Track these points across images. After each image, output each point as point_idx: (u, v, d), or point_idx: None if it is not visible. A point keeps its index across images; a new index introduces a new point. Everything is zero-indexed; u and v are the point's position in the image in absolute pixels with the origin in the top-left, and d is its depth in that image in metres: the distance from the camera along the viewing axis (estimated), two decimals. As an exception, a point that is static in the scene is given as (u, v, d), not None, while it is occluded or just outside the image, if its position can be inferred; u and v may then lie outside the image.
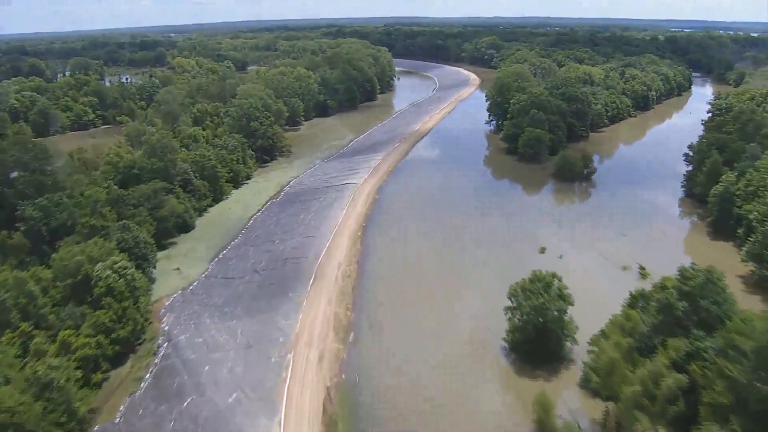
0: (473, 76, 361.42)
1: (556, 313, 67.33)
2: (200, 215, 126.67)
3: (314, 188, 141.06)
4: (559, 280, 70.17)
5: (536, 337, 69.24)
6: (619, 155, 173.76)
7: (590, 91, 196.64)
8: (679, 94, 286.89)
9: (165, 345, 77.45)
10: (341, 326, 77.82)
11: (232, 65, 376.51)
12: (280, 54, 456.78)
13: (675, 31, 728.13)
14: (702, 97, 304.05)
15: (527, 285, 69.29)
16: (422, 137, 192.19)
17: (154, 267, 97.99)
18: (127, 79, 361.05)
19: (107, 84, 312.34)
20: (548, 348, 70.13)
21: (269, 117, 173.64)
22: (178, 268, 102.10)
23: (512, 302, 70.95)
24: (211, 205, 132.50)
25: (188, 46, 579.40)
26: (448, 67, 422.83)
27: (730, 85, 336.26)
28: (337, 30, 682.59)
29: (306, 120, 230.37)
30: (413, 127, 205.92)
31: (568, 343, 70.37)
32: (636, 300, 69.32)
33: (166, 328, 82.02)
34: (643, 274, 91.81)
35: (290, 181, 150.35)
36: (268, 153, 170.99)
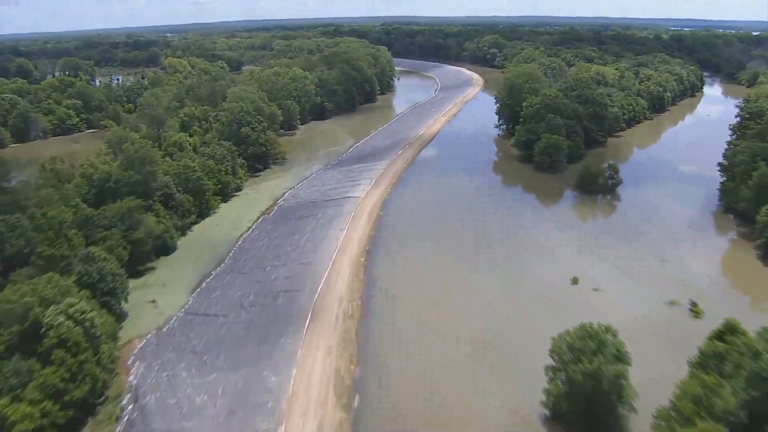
0: (476, 76, 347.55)
1: (613, 378, 53.43)
2: (183, 234, 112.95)
3: (311, 202, 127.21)
4: (614, 335, 56.39)
5: (586, 405, 55.51)
6: (640, 163, 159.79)
7: (605, 92, 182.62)
8: (692, 95, 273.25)
9: (131, 407, 63.75)
10: (344, 386, 63.84)
11: (225, 65, 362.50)
12: (276, 53, 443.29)
13: (675, 29, 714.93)
14: (714, 98, 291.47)
15: (575, 342, 55.58)
16: (427, 143, 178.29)
17: (126, 300, 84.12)
18: (117, 79, 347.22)
19: (98, 85, 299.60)
20: (597, 415, 56.41)
21: (262, 122, 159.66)
22: (153, 301, 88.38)
23: (555, 361, 57.16)
24: (195, 222, 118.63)
25: (183, 45, 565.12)
26: (448, 67, 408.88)
27: (743, 85, 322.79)
28: (334, 29, 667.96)
29: (302, 123, 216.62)
30: (417, 131, 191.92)
31: (624, 411, 56.55)
32: (708, 359, 55.56)
33: (135, 381, 68.37)
34: (696, 311, 78.29)
35: (284, 194, 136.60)
36: (260, 161, 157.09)
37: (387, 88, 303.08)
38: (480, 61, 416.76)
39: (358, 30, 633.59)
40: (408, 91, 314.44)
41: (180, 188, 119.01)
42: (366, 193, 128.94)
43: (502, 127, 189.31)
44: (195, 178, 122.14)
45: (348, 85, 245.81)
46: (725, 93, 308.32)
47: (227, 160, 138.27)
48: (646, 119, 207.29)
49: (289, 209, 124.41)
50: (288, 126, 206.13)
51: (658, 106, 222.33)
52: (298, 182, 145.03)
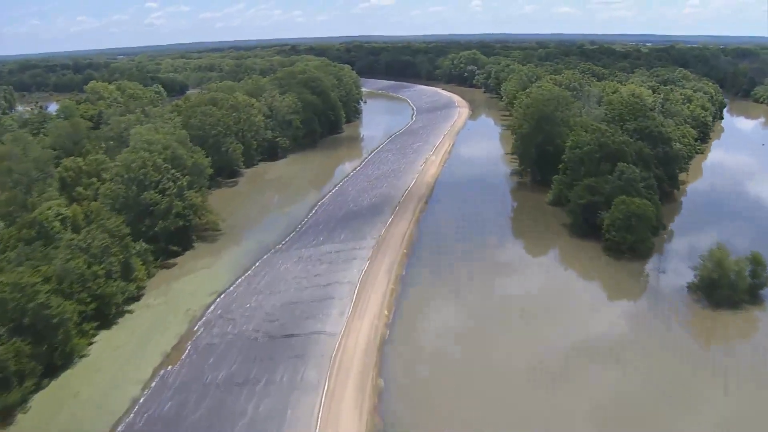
0: (456, 97, 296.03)
1: None
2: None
3: (252, 338, 71.26)
4: None
5: None
6: (741, 230, 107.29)
7: (660, 122, 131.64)
8: (721, 117, 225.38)
9: None
10: None
11: (162, 90, 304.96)
12: (225, 75, 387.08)
13: (641, 44, 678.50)
14: (739, 120, 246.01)
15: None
16: (425, 201, 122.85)
17: None
18: (32, 108, 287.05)
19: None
20: None
21: (179, 179, 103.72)
22: None
23: None
24: (34, 392, 62.48)
25: (125, 68, 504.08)
26: (421, 87, 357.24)
27: (762, 103, 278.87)
28: (291, 48, 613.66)
29: (248, 167, 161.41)
30: (405, 179, 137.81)
31: None
32: None
33: None
34: None
35: (211, 304, 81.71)
36: (178, 239, 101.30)
37: (354, 114, 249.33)
38: (455, 79, 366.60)
39: (316, 48, 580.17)
40: (379, 116, 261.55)
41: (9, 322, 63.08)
42: (348, 323, 72.30)
43: (523, 172, 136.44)
44: (37, 305, 65.81)
45: (307, 113, 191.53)
46: (747, 113, 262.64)
47: (114, 253, 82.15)
48: (697, 152, 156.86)
49: (211, 352, 68.58)
50: (228, 172, 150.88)
51: (702, 133, 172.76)
52: (234, 277, 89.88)
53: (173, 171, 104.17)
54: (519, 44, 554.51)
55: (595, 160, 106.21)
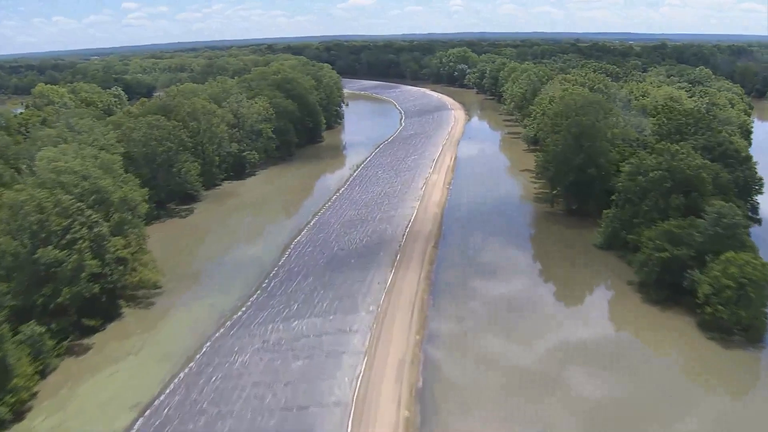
0: (447, 99, 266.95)
1: None
2: None
3: None
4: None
5: None
6: None
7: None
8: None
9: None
10: None
11: (122, 92, 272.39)
12: (196, 75, 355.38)
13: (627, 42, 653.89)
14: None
15: None
16: (434, 244, 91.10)
17: None
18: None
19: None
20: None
21: (99, 224, 73.53)
22: None
23: None
24: None
25: (91, 69, 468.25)
26: (407, 88, 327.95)
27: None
28: (267, 47, 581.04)
29: (209, 188, 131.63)
30: (402, 209, 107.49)
31: None
32: None
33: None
34: None
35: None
36: (97, 308, 71.47)
37: (335, 119, 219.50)
38: (444, 79, 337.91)
39: (294, 47, 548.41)
40: (363, 121, 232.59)
41: None
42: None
43: (555, 199, 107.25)
44: None
45: (281, 120, 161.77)
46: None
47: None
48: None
49: None
50: (182, 197, 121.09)
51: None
52: (167, 380, 60.34)
53: (90, 212, 73.93)
54: (506, 42, 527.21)
55: (664, 191, 77.89)
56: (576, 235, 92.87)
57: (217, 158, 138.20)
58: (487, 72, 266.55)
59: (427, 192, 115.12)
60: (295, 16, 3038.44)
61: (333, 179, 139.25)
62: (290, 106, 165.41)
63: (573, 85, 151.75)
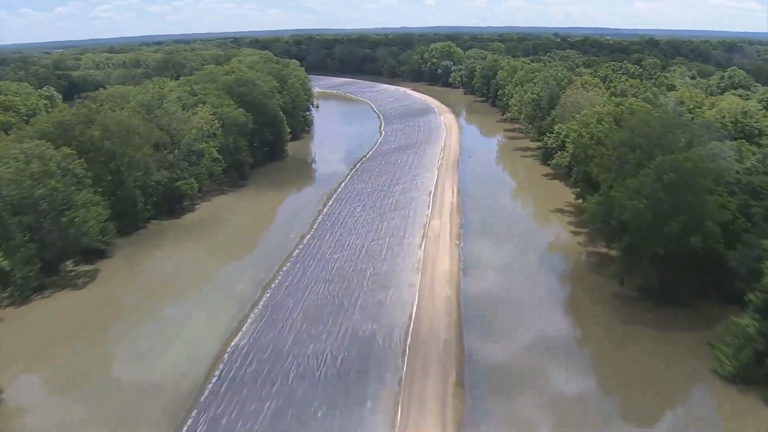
0: (433, 101, 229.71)
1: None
2: None
3: None
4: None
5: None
6: None
7: None
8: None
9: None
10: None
11: (55, 93, 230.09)
12: (151, 72, 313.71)
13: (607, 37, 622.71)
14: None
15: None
16: (457, 372, 52.26)
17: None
18: None
19: None
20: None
21: None
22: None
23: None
24: None
25: (42, 63, 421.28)
26: (385, 87, 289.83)
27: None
28: (233, 41, 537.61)
29: (128, 233, 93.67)
30: (396, 291, 69.42)
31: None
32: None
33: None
34: None
35: None
36: None
37: (302, 127, 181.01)
38: (425, 77, 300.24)
39: (262, 41, 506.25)
40: (335, 128, 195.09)
41: None
42: None
43: (631, 274, 70.65)
44: None
45: (230, 135, 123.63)
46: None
47: None
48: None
49: None
50: (86, 252, 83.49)
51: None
52: None
53: None
54: (487, 36, 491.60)
55: None
56: (676, 349, 56.69)
57: (138, 191, 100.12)
58: (478, 70, 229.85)
59: (429, 254, 77.69)
60: (267, 9, 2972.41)
61: (294, 219, 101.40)
62: (242, 117, 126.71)
63: (605, 90, 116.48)
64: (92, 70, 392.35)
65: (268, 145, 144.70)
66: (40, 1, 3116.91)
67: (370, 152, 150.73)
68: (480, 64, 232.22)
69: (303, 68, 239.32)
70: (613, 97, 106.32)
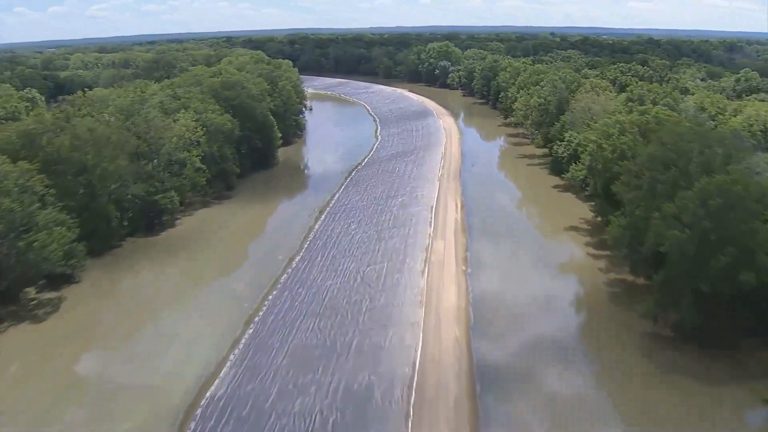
0: (431, 103, 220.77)
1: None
2: None
3: None
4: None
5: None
6: None
7: None
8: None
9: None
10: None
11: (38, 96, 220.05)
12: (140, 72, 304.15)
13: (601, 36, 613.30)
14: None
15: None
16: None
17: None
18: None
19: None
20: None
21: None
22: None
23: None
24: None
25: (30, 62, 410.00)
26: (380, 88, 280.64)
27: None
28: (226, 40, 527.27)
29: (98, 254, 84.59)
30: (398, 332, 59.97)
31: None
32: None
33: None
34: None
35: None
36: None
37: (294, 131, 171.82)
38: (422, 78, 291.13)
39: (256, 41, 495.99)
40: (329, 131, 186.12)
41: None
42: None
43: (665, 310, 61.69)
44: None
45: (216, 144, 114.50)
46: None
47: None
48: None
49: None
50: (48, 280, 74.45)
51: None
52: None
53: None
54: (485, 36, 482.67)
55: None
56: (721, 401, 48.06)
57: (112, 207, 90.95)
58: (477, 71, 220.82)
59: (433, 284, 68.48)
60: (262, 9, 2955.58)
61: (283, 237, 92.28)
62: (228, 123, 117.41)
63: (616, 94, 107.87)
64: (81, 71, 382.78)
65: (257, 152, 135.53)
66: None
67: (366, 159, 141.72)
68: (479, 65, 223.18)
69: (296, 69, 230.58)
70: (630, 103, 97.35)
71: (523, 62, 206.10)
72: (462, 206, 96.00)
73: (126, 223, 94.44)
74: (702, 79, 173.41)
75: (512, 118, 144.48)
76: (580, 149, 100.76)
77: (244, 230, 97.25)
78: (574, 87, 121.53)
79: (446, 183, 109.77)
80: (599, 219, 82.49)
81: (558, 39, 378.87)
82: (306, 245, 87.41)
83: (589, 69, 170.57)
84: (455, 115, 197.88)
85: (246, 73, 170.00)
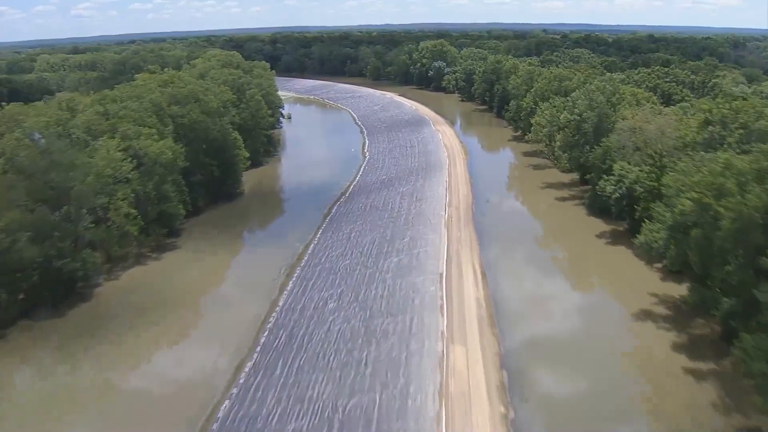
0: (426, 111, 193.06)
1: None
2: None
3: None
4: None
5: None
6: None
7: None
8: None
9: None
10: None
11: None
12: (106, 75, 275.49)
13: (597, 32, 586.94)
14: None
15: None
16: None
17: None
18: None
19: None
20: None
21: None
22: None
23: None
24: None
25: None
26: (367, 91, 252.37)
27: None
28: (205, 39, 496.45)
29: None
30: None
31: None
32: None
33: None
34: None
35: None
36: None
37: (265, 149, 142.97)
38: (414, 79, 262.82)
39: (236, 39, 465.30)
40: (308, 149, 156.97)
41: None
42: None
43: None
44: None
45: (153, 179, 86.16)
46: None
47: None
48: None
49: None
50: None
51: None
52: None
53: None
54: (477, 32, 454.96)
55: None
56: None
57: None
58: (478, 73, 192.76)
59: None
60: (249, 7, 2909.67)
61: (231, 323, 64.25)
62: (166, 152, 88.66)
63: (688, 115, 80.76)
64: (47, 73, 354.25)
65: (214, 181, 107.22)
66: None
67: (351, 187, 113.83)
68: (480, 66, 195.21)
69: (274, 71, 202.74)
70: (710, 127, 69.93)
71: (530, 63, 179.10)
72: (483, 275, 67.98)
73: (16, 301, 66.92)
74: (743, 83, 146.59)
75: (530, 136, 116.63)
76: (638, 189, 73.63)
77: (180, 306, 69.03)
78: (615, 100, 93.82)
79: (456, 231, 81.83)
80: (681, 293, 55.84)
81: (558, 37, 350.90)
82: (262, 341, 59.55)
83: (606, 70, 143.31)
84: (455, 126, 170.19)
85: (210, 79, 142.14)
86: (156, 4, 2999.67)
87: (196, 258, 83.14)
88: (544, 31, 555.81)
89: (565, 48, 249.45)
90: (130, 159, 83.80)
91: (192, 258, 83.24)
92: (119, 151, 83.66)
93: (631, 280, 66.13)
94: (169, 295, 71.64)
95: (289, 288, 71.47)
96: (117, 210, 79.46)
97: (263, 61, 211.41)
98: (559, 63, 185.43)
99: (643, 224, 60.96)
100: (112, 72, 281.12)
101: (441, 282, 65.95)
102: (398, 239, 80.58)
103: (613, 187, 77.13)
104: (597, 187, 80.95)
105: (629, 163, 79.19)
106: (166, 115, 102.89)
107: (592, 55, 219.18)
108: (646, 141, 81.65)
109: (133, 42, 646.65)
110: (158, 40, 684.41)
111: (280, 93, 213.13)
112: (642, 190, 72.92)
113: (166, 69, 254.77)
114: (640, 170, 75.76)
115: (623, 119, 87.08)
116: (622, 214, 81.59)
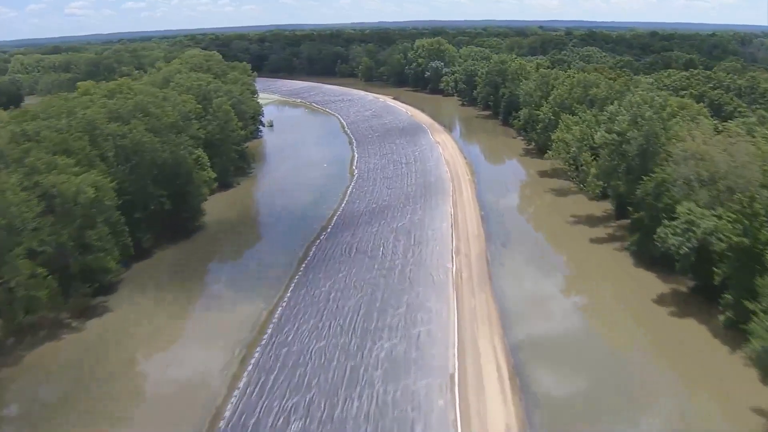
0: (423, 117, 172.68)
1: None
2: None
3: None
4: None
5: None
6: None
7: None
8: None
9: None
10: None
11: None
12: (80, 76, 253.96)
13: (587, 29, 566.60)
14: None
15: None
16: None
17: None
18: None
19: None
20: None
21: None
22: None
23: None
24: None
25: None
26: (359, 93, 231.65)
27: None
28: (190, 38, 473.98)
29: None
30: None
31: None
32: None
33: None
34: None
35: None
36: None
37: (237, 168, 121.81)
38: (409, 81, 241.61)
39: (223, 38, 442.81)
40: (288, 165, 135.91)
41: None
42: None
43: None
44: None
45: (70, 224, 65.31)
46: None
47: None
48: None
49: None
50: None
51: None
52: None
53: None
54: (476, 29, 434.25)
55: None
56: None
57: None
58: (480, 74, 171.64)
59: None
60: (242, 6, 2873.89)
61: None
62: (86, 191, 67.50)
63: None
64: (20, 74, 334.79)
65: (166, 216, 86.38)
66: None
67: (334, 218, 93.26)
68: (483, 66, 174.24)
69: (255, 73, 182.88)
70: None
71: (539, 63, 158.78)
72: (513, 376, 47.25)
73: None
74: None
75: (550, 153, 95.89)
76: (718, 244, 53.40)
77: (76, 419, 48.34)
78: (666, 115, 73.19)
79: (469, 295, 61.21)
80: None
81: (563, 34, 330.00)
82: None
83: (619, 70, 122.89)
84: (456, 135, 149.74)
85: (174, 85, 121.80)
86: (150, 2, 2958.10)
87: (125, 329, 62.70)
88: (541, 28, 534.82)
89: (572, 46, 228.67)
90: (37, 200, 63.13)
91: (120, 329, 62.80)
92: (23, 190, 62.95)
93: (709, 367, 45.58)
94: (70, 390, 51.24)
95: (241, 386, 51.06)
96: (15, 270, 58.96)
97: (244, 62, 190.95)
98: (571, 63, 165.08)
99: (754, 319, 40.40)
100: (84, 74, 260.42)
101: (452, 390, 45.37)
102: (391, 308, 59.99)
103: (679, 238, 56.63)
104: (655, 236, 60.35)
105: (698, 204, 58.85)
106: (104, 135, 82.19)
107: (603, 54, 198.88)
108: (717, 173, 61.36)
109: (121, 40, 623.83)
110: (150, 38, 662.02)
111: (264, 96, 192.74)
112: (725, 245, 52.55)
113: (138, 71, 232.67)
114: (717, 217, 55.40)
115: (679, 141, 66.73)
116: (685, 269, 61.17)
